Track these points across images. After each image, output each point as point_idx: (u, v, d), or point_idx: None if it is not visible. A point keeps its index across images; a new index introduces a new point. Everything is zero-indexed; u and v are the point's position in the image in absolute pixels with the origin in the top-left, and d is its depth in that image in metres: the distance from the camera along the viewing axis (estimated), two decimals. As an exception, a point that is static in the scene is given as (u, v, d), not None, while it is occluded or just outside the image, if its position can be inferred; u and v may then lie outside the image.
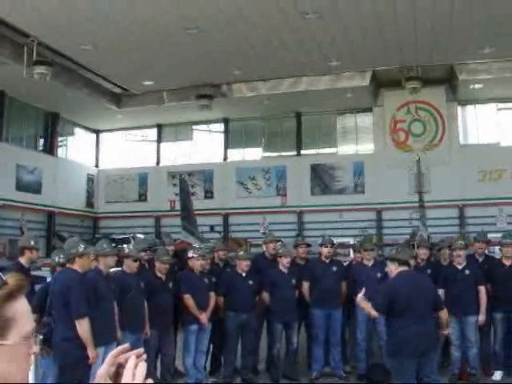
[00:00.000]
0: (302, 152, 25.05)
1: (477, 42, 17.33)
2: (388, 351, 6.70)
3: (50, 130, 24.93)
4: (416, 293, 6.37)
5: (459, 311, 8.85)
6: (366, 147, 24.50)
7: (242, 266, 8.96)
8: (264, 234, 19.28)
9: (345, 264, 10.70)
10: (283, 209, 24.21)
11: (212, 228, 23.90)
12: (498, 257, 10.22)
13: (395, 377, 6.46)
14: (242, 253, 9.30)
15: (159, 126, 26.99)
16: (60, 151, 25.73)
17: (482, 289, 8.95)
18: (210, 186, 25.19)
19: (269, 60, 18.36)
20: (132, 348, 1.11)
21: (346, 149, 24.86)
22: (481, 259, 9.66)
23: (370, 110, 24.09)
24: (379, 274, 8.96)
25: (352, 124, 24.92)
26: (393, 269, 6.77)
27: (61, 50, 17.35)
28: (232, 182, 24.97)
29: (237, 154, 26.10)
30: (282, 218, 23.66)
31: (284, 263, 9.14)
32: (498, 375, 9.07)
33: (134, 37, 16.20)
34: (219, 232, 23.59)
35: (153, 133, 27.48)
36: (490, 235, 18.00)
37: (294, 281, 9.18)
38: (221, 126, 26.28)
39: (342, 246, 18.43)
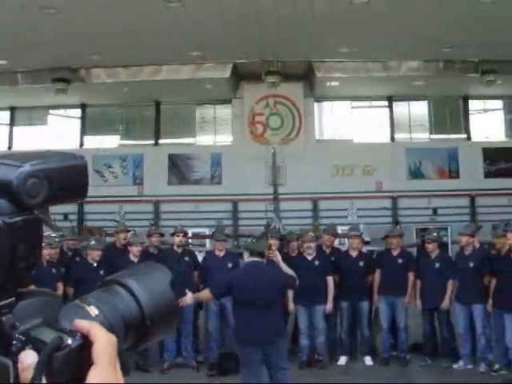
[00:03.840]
0: (160, 141, 24.79)
1: (335, 42, 17.88)
2: (235, 339, 6.79)
3: None
4: (261, 283, 6.48)
5: (308, 301, 9.13)
6: (225, 139, 24.63)
7: (93, 256, 8.74)
8: (117, 221, 18.95)
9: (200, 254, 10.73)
10: (140, 198, 23.86)
11: (66, 216, 23.16)
12: (345, 248, 10.66)
13: (242, 365, 6.58)
14: (93, 242, 9.06)
15: (12, 109, 25.73)
16: None
17: (330, 279, 9.29)
18: (64, 173, 24.27)
19: (130, 46, 17.94)
20: None
21: (204, 139, 24.85)
22: (328, 251, 10.00)
23: (229, 101, 24.21)
24: (230, 265, 9.10)
25: (211, 115, 24.94)
26: (245, 258, 6.89)
27: None
28: (88, 169, 24.25)
29: (94, 141, 25.41)
30: (139, 208, 23.30)
31: (134, 252, 9.00)
32: (343, 360, 9.54)
33: (-15, 13, 15.33)
34: (70, 220, 22.89)
35: (5, 116, 26.15)
36: (341, 228, 18.89)
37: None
38: (78, 112, 25.45)
39: (198, 236, 18.47)
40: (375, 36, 17.18)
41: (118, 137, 25.38)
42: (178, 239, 9.47)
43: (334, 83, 21.90)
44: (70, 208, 23.18)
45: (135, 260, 8.95)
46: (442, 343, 9.66)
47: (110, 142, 25.29)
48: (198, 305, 9.66)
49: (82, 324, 0.84)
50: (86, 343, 0.82)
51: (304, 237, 9.74)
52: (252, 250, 6.86)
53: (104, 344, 0.83)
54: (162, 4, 14.96)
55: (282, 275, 6.91)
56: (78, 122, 25.34)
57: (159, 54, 18.78)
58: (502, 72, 19.57)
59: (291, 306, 8.52)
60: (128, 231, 9.88)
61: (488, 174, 23.62)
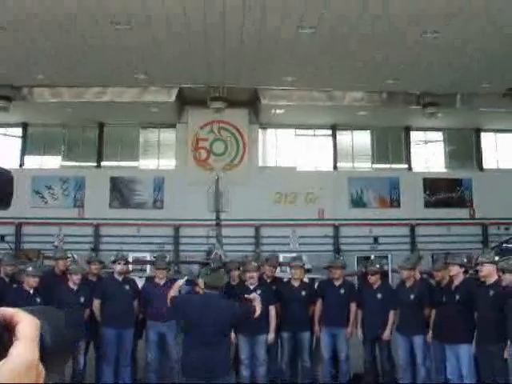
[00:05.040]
0: (103, 163, 24.49)
1: (281, 70, 18.06)
2: (181, 370, 6.68)
3: None
4: (206, 314, 6.39)
5: (250, 330, 9.03)
6: (168, 163, 24.49)
7: (30, 283, 8.43)
8: (56, 247, 18.55)
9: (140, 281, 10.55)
10: (80, 221, 23.44)
11: (2, 238, 22.59)
12: (286, 278, 10.63)
13: None
14: (30, 268, 8.73)
15: (-51, 126, 25.08)
16: None
17: (272, 308, 9.21)
18: (2, 193, 23.62)
19: (75, 66, 17.72)
20: None
21: (147, 163, 24.67)
22: (269, 280, 9.94)
23: (173, 126, 24.14)
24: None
25: (155, 139, 24.80)
26: (200, 284, 6.88)
27: None
28: (27, 190, 23.73)
29: (34, 161, 24.89)
30: (79, 231, 22.89)
31: (74, 280, 8.77)
32: (283, 391, 9.44)
33: None
34: (7, 242, 22.31)
35: None
36: (282, 255, 18.90)
37: (83, 299, 8.83)
38: (19, 131, 24.93)
39: (139, 261, 18.20)
40: (320, 66, 17.43)
41: (59, 157, 24.96)
42: (119, 267, 9.29)
43: (278, 111, 22.07)
44: (7, 230, 22.62)
45: (75, 288, 8.71)
46: (382, 374, 9.67)
47: (51, 162, 24.81)
48: (138, 334, 9.47)
49: (6, 310, 0.90)
50: (8, 327, 0.89)
51: (246, 266, 9.65)
52: (209, 284, 6.79)
53: (28, 323, 0.89)
54: (110, 25, 14.83)
55: (233, 308, 6.82)
56: (19, 141, 24.80)
57: (105, 76, 18.61)
58: (443, 105, 20.07)
59: (232, 336, 8.40)
60: (67, 257, 9.63)
61: (428, 204, 24.08)
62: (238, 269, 10.06)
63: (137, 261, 17.59)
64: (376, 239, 23.35)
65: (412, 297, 9.05)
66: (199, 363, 6.26)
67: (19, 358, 0.84)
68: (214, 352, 6.27)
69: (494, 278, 7.71)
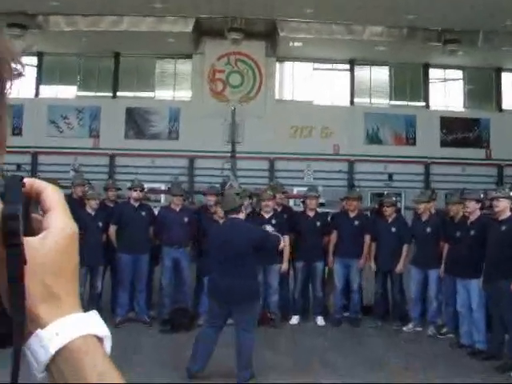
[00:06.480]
0: (118, 94, 24.38)
1: (300, 1, 17.71)
2: (207, 289, 6.88)
3: None
4: (226, 242, 6.44)
5: (263, 259, 9.13)
6: (184, 94, 24.36)
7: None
8: (76, 172, 18.72)
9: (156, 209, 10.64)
10: (95, 151, 23.51)
11: (19, 167, 22.71)
12: (301, 209, 10.70)
13: (207, 315, 6.89)
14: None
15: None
16: None
17: (286, 238, 9.28)
18: (19, 122, 23.67)
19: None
20: None
21: (163, 94, 24.54)
22: (279, 209, 9.99)
23: (190, 56, 23.90)
24: (186, 219, 9.12)
25: (171, 69, 24.60)
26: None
27: None
28: (43, 119, 23.74)
29: (50, 91, 24.82)
30: (94, 161, 22.98)
31: (92, 205, 8.87)
32: (294, 320, 9.62)
33: None
34: (25, 171, 22.45)
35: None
36: (297, 189, 18.94)
37: (101, 224, 8.95)
38: (34, 60, 24.76)
39: (154, 191, 18.32)
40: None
41: (75, 87, 24.85)
42: (135, 194, 9.36)
43: (296, 44, 21.78)
44: (23, 159, 22.73)
45: (92, 213, 8.83)
46: (393, 306, 9.80)
47: (66, 92, 24.73)
48: (154, 260, 9.61)
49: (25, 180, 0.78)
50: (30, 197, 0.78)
51: (262, 195, 9.69)
52: (223, 209, 6.89)
53: (53, 191, 0.79)
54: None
55: (254, 231, 6.81)
56: (34, 71, 24.67)
57: (121, 4, 18.34)
58: (464, 43, 19.70)
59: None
60: (84, 185, 9.71)
61: (444, 143, 23.91)
62: (249, 197, 10.11)
63: (152, 190, 17.69)
64: (390, 176, 23.30)
65: (428, 230, 9.10)
66: (221, 290, 6.38)
67: (61, 230, 0.76)
68: (235, 280, 6.33)
69: (507, 214, 7.71)
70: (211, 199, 9.59)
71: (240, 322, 6.49)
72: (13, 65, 0.78)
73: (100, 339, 0.74)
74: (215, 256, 6.59)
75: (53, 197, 0.79)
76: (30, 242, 0.73)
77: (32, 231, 0.76)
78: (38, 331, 0.72)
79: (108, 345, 0.76)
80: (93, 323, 0.75)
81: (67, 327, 0.73)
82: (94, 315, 0.76)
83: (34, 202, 0.79)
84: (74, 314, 0.74)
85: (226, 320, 6.57)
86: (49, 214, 0.77)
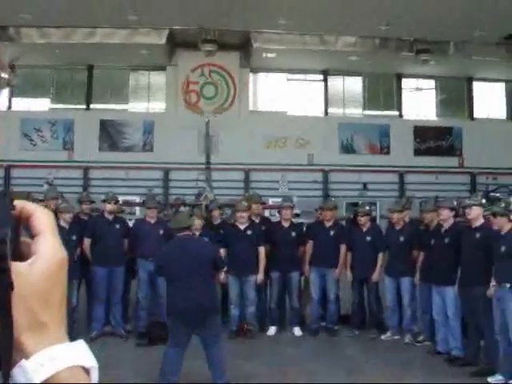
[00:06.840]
0: (92, 106, 24.24)
1: (273, 13, 17.78)
2: (166, 310, 6.75)
3: None
4: (184, 257, 6.43)
5: (239, 270, 9.15)
6: (158, 106, 24.29)
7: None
8: (50, 185, 18.55)
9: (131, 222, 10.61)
10: (69, 163, 23.32)
11: (-9, 181, 22.49)
12: (276, 220, 10.74)
13: (170, 335, 6.56)
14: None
15: None
16: None
17: (262, 249, 9.30)
18: (-10, 136, 23.47)
19: (63, 6, 17.35)
20: None
21: (137, 106, 24.45)
22: (257, 220, 10.00)
23: (164, 68, 23.85)
24: (161, 231, 9.10)
25: (145, 81, 24.54)
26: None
27: None
28: (16, 132, 23.48)
29: (22, 104, 24.60)
30: (68, 173, 22.80)
31: (66, 219, 8.79)
32: (272, 330, 9.62)
33: None
34: (0, 185, 22.21)
35: None
36: (272, 199, 18.96)
37: (75, 237, 8.88)
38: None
39: (129, 203, 18.25)
40: (313, 9, 17.17)
41: (48, 100, 24.66)
42: (109, 206, 9.32)
43: (270, 55, 21.85)
44: (-4, 172, 22.52)
45: (66, 226, 8.75)
46: (369, 315, 9.85)
47: (39, 105, 24.54)
48: (131, 273, 9.56)
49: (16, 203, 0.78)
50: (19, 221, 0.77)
51: (237, 206, 9.70)
52: (176, 228, 6.87)
53: (43, 214, 0.79)
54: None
55: (210, 248, 6.89)
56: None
57: (94, 16, 18.23)
58: (436, 52, 19.91)
59: (222, 275, 8.48)
60: (57, 198, 9.62)
61: (418, 152, 24.11)
62: (219, 208, 10.24)
63: (126, 203, 17.61)
64: (365, 186, 23.42)
65: (402, 239, 9.18)
66: (183, 306, 6.34)
67: (50, 256, 0.75)
68: (196, 294, 6.31)
69: (480, 221, 7.80)
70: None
71: (207, 336, 6.48)
72: (2, 75, 0.77)
73: (87, 370, 0.73)
74: (172, 274, 6.57)
75: (43, 220, 0.78)
76: (18, 268, 0.72)
77: (21, 255, 0.75)
78: (22, 362, 0.70)
79: (95, 376, 0.74)
80: (79, 354, 0.74)
81: (53, 358, 0.71)
82: (80, 345, 0.75)
83: (23, 225, 0.78)
84: (61, 345, 0.73)
85: (190, 337, 6.53)
86: (38, 238, 0.77)
